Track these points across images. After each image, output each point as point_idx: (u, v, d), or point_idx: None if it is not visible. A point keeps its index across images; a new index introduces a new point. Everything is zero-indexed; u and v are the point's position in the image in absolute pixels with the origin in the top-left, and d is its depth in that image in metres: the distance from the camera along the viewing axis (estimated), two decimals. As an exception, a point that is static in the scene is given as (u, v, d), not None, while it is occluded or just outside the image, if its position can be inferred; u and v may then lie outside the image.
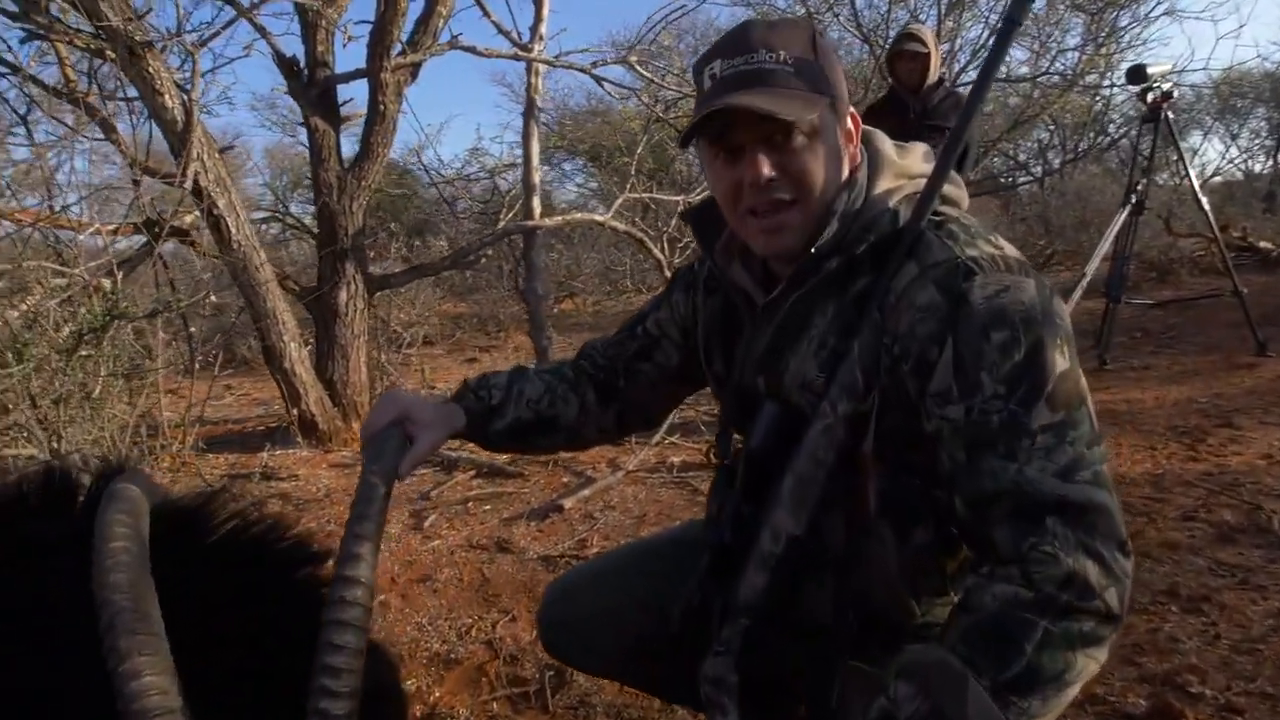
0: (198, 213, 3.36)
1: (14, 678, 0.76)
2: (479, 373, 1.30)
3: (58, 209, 3.25)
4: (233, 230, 3.35)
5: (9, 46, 3.19)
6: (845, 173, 1.03)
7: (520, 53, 4.02)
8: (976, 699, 0.68)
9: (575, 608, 1.35)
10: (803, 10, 8.59)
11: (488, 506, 3.13)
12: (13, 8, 2.95)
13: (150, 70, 2.98)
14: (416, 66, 3.84)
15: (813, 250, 1.01)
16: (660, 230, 6.08)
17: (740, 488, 1.11)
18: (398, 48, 3.67)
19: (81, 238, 2.78)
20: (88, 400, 2.62)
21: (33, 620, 0.79)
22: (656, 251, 4.74)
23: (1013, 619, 0.78)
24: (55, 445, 2.53)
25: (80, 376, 2.59)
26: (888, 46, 4.11)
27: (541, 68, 4.17)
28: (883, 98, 4.15)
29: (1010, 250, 0.97)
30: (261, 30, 3.59)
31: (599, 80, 4.25)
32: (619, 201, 4.52)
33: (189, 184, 3.18)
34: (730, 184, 1.00)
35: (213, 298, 3.24)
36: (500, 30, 4.10)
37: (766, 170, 0.97)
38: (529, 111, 4.16)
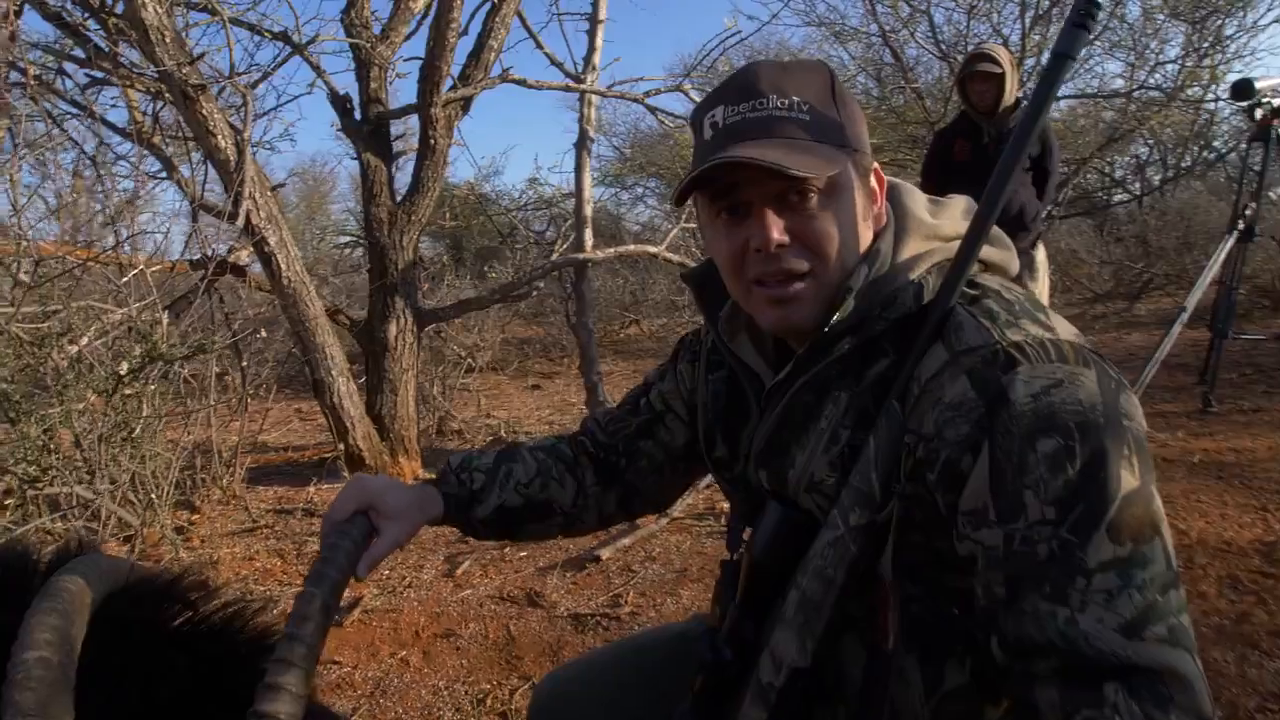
0: (251, 249, 3.40)
1: None
2: (459, 453, 1.18)
3: (119, 248, 3.33)
4: (283, 267, 3.37)
5: (81, 90, 3.31)
6: (868, 238, 0.88)
7: (572, 84, 3.96)
8: None
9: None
10: (876, 28, 8.35)
11: (524, 553, 3.01)
12: (80, 54, 3.05)
13: (204, 112, 3.03)
14: (468, 100, 3.81)
15: (825, 330, 0.85)
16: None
17: (740, 599, 0.97)
18: (448, 82, 3.66)
19: (125, 278, 2.82)
20: (130, 439, 2.64)
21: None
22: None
23: None
24: (99, 483, 2.56)
25: (122, 416, 2.61)
26: (960, 68, 3.85)
27: (595, 98, 4.10)
28: (953, 122, 3.89)
29: (1065, 331, 0.79)
30: (317, 69, 3.64)
31: (652, 110, 4.14)
32: (673, 233, 4.39)
33: (240, 221, 3.22)
34: (734, 249, 0.86)
35: (263, 333, 3.25)
36: (553, 62, 4.06)
37: (777, 234, 0.82)
38: (581, 143, 4.09)
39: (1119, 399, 0.73)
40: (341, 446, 3.65)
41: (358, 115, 3.73)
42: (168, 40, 2.92)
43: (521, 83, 3.86)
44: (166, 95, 3.08)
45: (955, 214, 0.94)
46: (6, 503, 2.38)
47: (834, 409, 0.87)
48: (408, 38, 3.95)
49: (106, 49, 3.16)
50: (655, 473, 1.17)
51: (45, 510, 2.52)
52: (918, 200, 0.93)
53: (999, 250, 0.93)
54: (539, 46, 4.00)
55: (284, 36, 3.53)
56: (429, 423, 4.71)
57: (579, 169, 4.13)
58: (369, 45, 3.65)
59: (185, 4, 3.25)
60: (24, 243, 2.52)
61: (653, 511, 1.29)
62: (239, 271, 3.58)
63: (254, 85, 3.14)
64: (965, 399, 0.75)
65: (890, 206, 0.93)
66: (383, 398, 3.86)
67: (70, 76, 3.35)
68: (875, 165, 0.91)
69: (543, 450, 1.18)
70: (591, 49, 4.09)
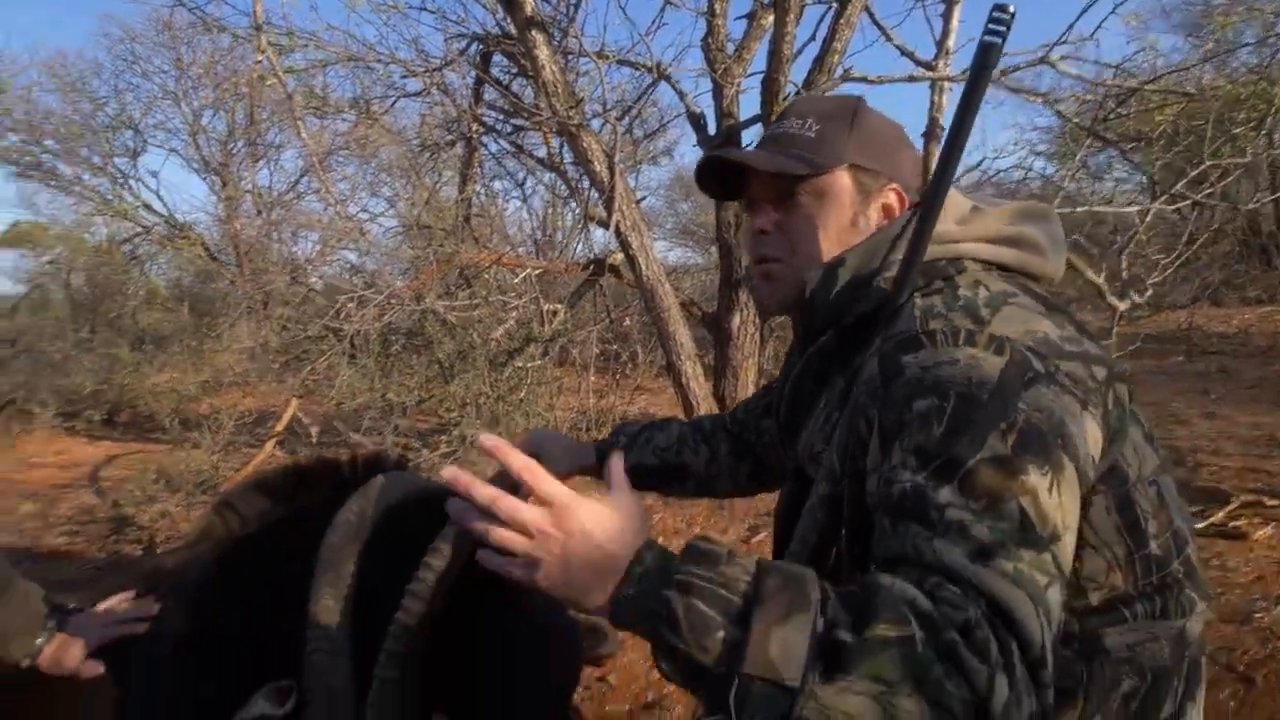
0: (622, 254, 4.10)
1: (270, 591, 1.24)
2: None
3: (541, 255, 4.29)
4: (643, 266, 3.99)
5: (511, 129, 4.35)
6: (848, 243, 1.00)
7: (917, 74, 3.88)
8: (792, 626, 0.61)
9: None
10: None
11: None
12: (506, 108, 4.03)
13: (584, 144, 3.77)
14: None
15: (803, 319, 1.03)
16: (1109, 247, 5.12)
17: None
18: (790, 89, 3.90)
19: (519, 277, 3.69)
20: (520, 402, 3.48)
21: (296, 554, 1.25)
22: (1091, 274, 4.06)
23: (890, 602, 0.64)
24: (495, 426, 3.44)
25: (515, 381, 3.45)
26: None
27: (948, 85, 3.96)
28: None
29: (1010, 327, 0.82)
30: (680, 93, 4.20)
31: (1015, 90, 3.83)
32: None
33: (611, 229, 3.92)
34: (748, 237, 1.06)
35: (627, 321, 3.90)
36: (904, 52, 4.02)
37: (760, 221, 1.01)
38: (930, 134, 3.99)
39: (1029, 388, 0.76)
40: (687, 422, 4.19)
41: (711, 130, 4.21)
42: (560, 91, 3.71)
43: (863, 79, 3.92)
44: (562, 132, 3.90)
45: (990, 220, 0.97)
46: (443, 438, 3.37)
47: (831, 392, 1.00)
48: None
49: (527, 101, 4.12)
50: (776, 448, 1.34)
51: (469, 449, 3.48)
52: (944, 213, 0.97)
53: (1018, 252, 0.94)
54: (888, 39, 4.00)
55: (655, 68, 4.15)
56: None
57: (926, 156, 4.03)
58: (724, 66, 4.08)
59: (578, 53, 4.05)
60: (457, 252, 3.50)
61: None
62: (616, 271, 4.32)
63: (620, 117, 3.79)
64: (872, 376, 0.85)
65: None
66: (725, 381, 4.31)
67: (508, 123, 4.44)
68: (895, 187, 1.01)
69: (689, 424, 1.43)
70: (945, 33, 3.94)
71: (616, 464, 0.78)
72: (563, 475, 1.35)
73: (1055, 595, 0.68)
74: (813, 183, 0.97)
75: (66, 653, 1.47)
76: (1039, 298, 0.89)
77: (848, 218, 0.98)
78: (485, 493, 0.70)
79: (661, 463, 1.38)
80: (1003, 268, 0.94)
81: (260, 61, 3.44)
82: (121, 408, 6.05)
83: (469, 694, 1.36)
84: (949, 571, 0.67)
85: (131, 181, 9.11)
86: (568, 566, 0.69)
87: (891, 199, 1.00)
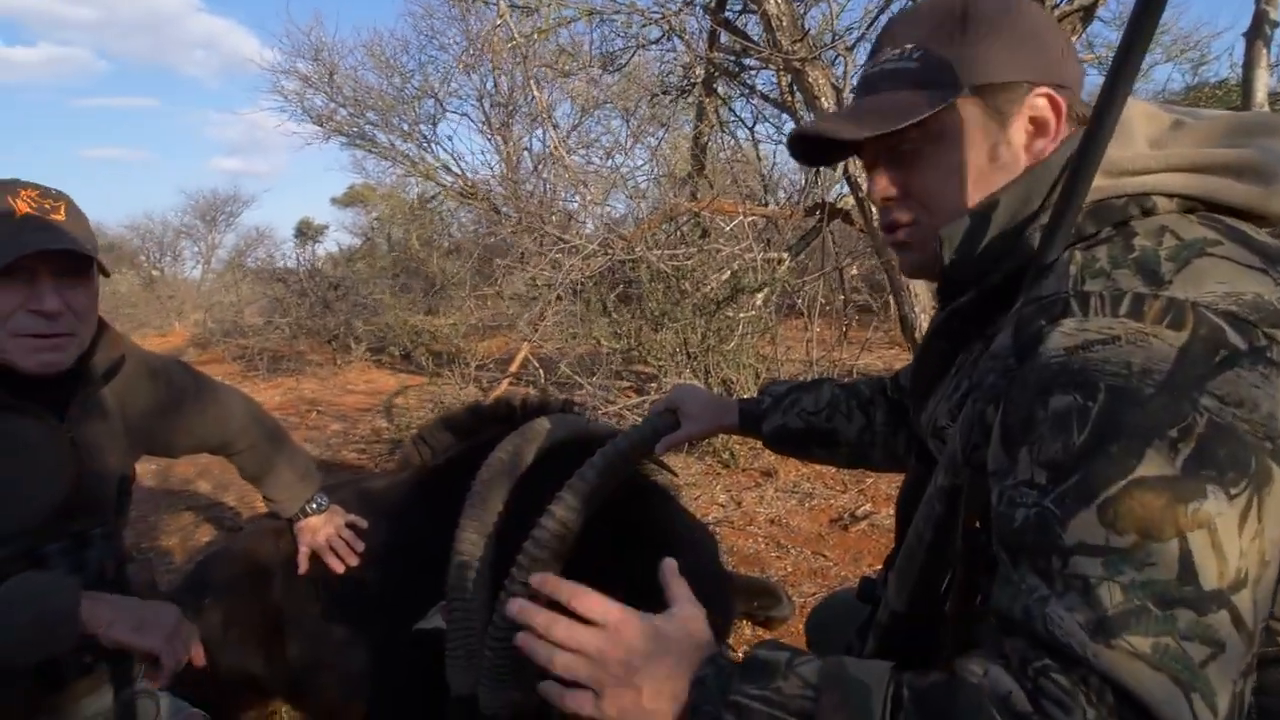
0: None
1: (435, 523, 1.37)
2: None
3: (764, 201, 4.17)
4: (872, 210, 3.70)
5: (742, 68, 4.22)
6: (994, 182, 0.80)
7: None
8: None
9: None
10: None
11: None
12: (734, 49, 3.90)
13: (810, 80, 3.53)
14: (1089, 9, 3.37)
15: (942, 283, 0.87)
16: None
17: (892, 549, 1.01)
18: (1060, -4, 3.32)
19: (733, 224, 3.58)
20: (729, 352, 3.43)
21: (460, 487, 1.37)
22: None
23: (975, 706, 0.56)
24: (705, 377, 3.44)
25: (725, 330, 3.41)
26: None
27: (1284, -35, 3.10)
28: None
29: (1201, 290, 0.61)
30: (925, 13, 3.76)
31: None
32: None
33: (839, 171, 3.67)
34: (875, 200, 0.92)
35: (854, 270, 3.67)
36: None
37: (879, 190, 0.87)
38: (1256, 31, 3.17)
39: (1219, 373, 0.57)
40: (918, 380, 3.86)
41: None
42: (785, 24, 3.50)
43: (1159, -26, 3.20)
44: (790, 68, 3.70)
45: (1194, 139, 0.73)
46: (651, 386, 3.44)
47: (965, 358, 0.84)
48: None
49: (756, 39, 3.95)
50: None
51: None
52: (1125, 129, 0.74)
53: (1232, 183, 0.70)
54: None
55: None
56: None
57: (1248, 65, 3.23)
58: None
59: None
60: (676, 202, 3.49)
61: None
62: (845, 216, 4.06)
63: (850, 48, 3.48)
64: (1002, 348, 0.70)
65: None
66: (965, 337, 3.88)
67: (739, 63, 4.29)
68: (1047, 92, 0.78)
69: (843, 387, 1.31)
70: (1285, -100, 3.07)
71: (672, 572, 0.76)
72: (693, 434, 1.31)
73: (1224, 668, 0.51)
74: (926, 128, 0.78)
75: (326, 527, 1.68)
76: (1257, 248, 0.65)
77: (984, 154, 0.79)
78: (540, 619, 0.71)
79: (808, 427, 1.28)
80: (1213, 206, 0.70)
81: (499, 26, 3.67)
82: (411, 346, 7.02)
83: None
84: (1062, 652, 0.54)
85: (433, 145, 10.36)
86: (636, 690, 0.66)
87: (1040, 106, 0.78)
